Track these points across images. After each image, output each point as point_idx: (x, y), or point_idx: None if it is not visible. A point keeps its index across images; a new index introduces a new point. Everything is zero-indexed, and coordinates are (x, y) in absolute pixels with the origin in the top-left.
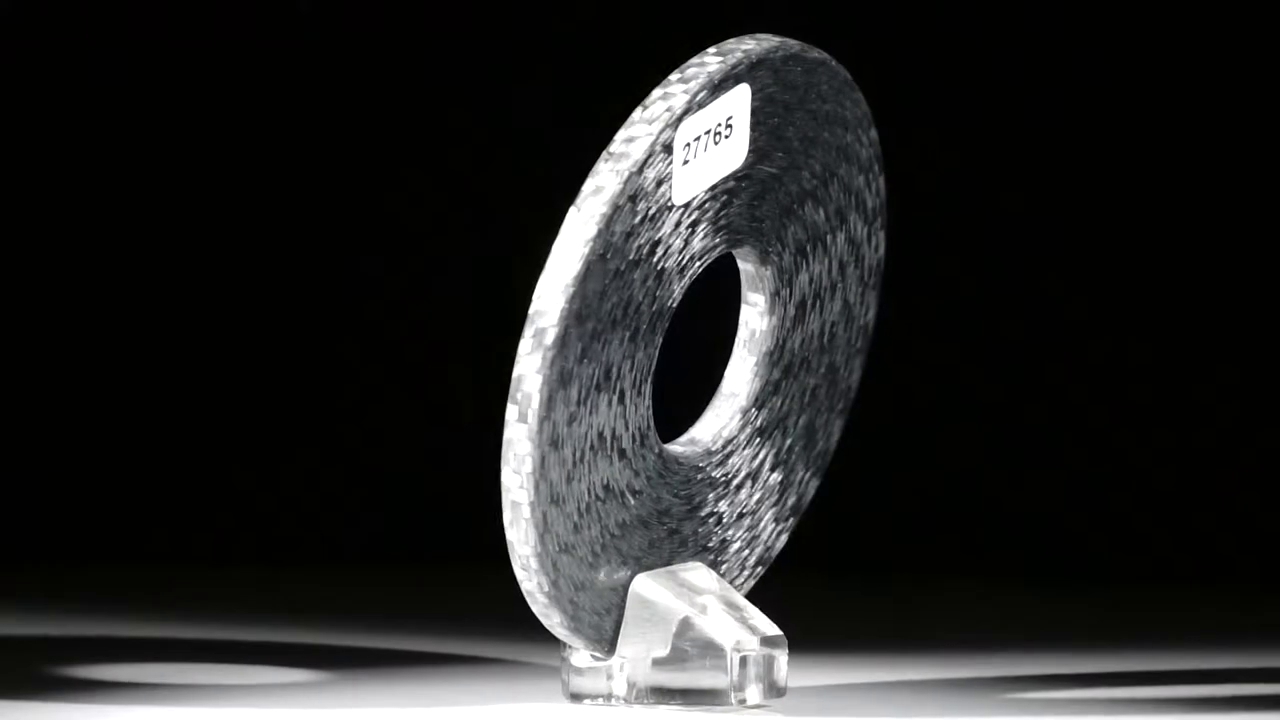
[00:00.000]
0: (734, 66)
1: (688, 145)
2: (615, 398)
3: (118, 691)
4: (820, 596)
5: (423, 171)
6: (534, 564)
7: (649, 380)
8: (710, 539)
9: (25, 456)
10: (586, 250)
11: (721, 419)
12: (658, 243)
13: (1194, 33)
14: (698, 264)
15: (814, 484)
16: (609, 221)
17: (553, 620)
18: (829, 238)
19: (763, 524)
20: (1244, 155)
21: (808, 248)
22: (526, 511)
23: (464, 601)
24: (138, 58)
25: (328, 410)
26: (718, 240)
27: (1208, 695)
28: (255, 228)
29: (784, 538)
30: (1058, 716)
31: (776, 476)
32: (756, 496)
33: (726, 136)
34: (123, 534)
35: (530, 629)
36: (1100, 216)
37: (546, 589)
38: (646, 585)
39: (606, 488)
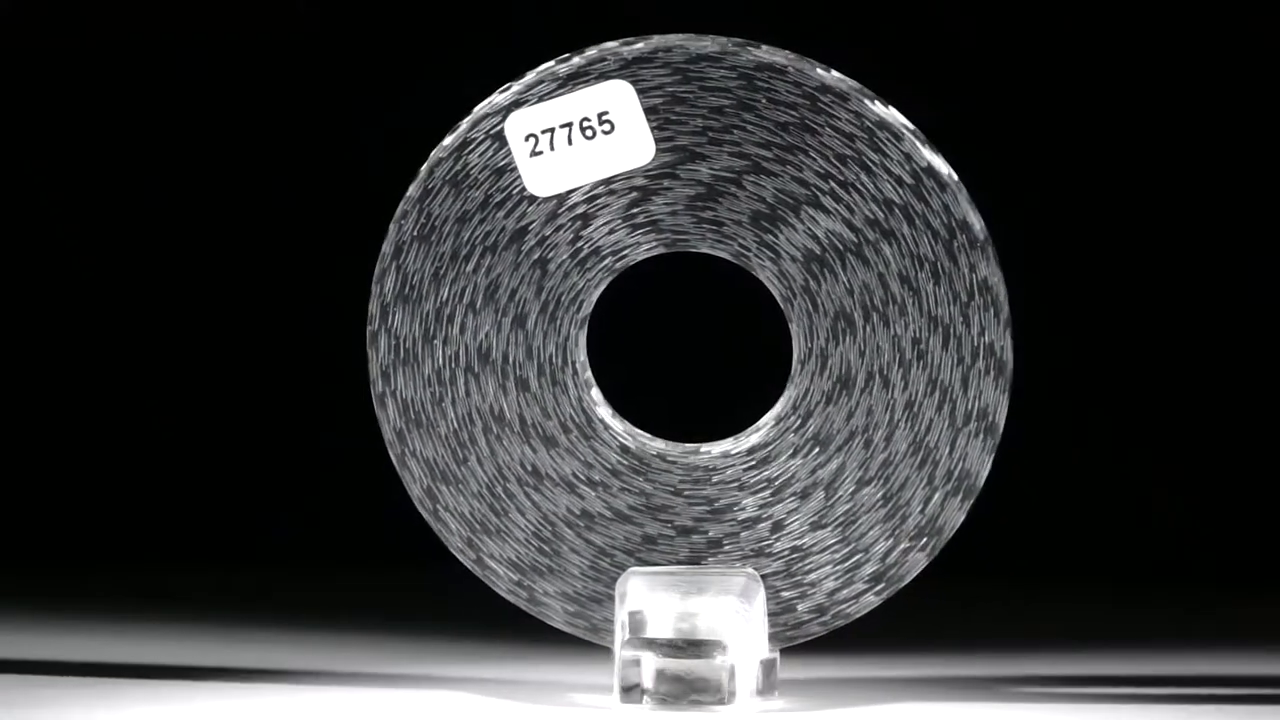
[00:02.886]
0: (587, 64)
1: (532, 137)
2: (512, 383)
3: (141, 687)
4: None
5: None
6: (444, 541)
7: (574, 369)
8: (770, 544)
9: (25, 460)
10: (394, 230)
11: (757, 424)
12: (524, 231)
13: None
14: (613, 258)
15: (953, 505)
16: (418, 203)
17: (510, 600)
18: (866, 249)
19: (865, 538)
20: None
21: (829, 257)
22: (406, 487)
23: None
24: (135, 57)
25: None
26: (644, 238)
27: None
28: (255, 228)
29: (914, 557)
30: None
31: (871, 491)
32: (842, 509)
33: (605, 132)
34: (122, 536)
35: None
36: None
37: (471, 569)
38: (628, 581)
39: (536, 473)
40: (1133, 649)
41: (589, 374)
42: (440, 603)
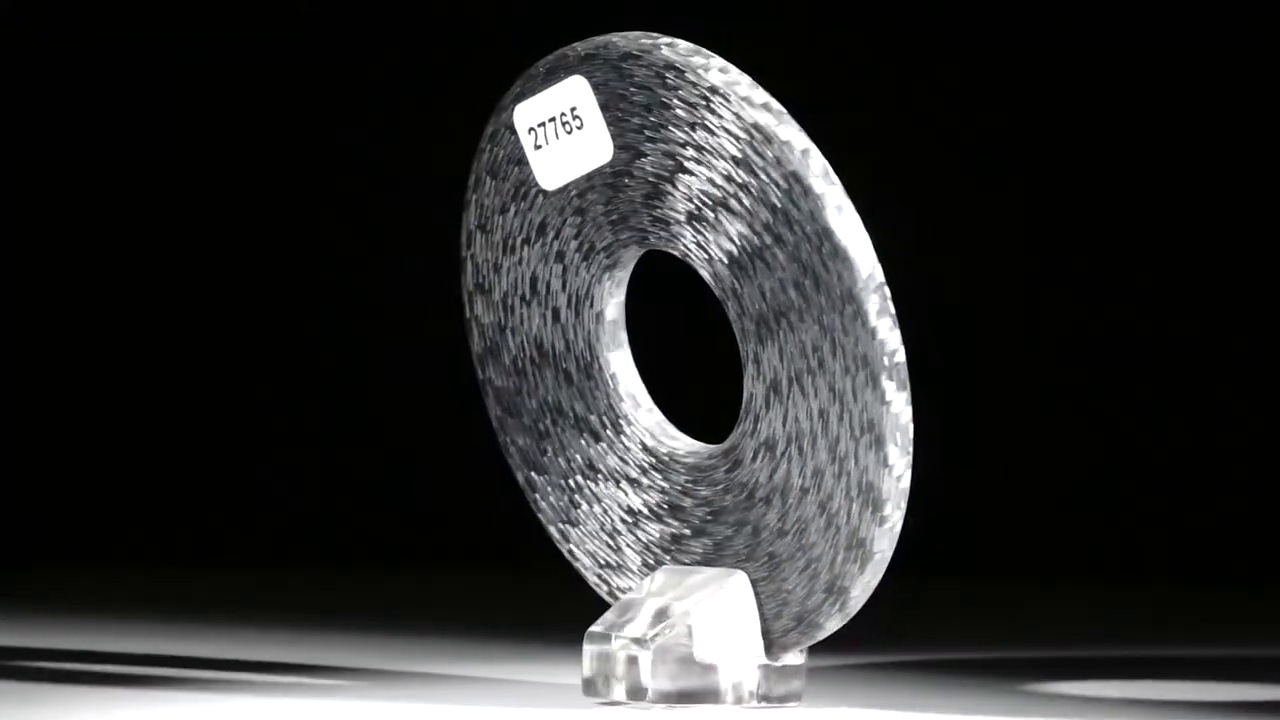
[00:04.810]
0: (557, 58)
1: (532, 130)
2: (562, 376)
3: (147, 687)
4: None
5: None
6: (545, 529)
7: (599, 364)
8: (754, 549)
9: (34, 463)
10: (465, 215)
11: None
12: (544, 225)
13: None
14: (603, 256)
15: (866, 517)
16: (472, 192)
17: (597, 591)
18: (768, 254)
19: (815, 548)
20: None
21: (743, 260)
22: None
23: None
24: (136, 57)
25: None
26: (623, 236)
27: None
28: (256, 227)
29: (849, 569)
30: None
31: (811, 498)
32: (795, 516)
33: (578, 127)
34: (130, 537)
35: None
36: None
37: (567, 558)
38: (653, 576)
39: (592, 467)
40: (1115, 647)
41: (615, 369)
42: (441, 605)
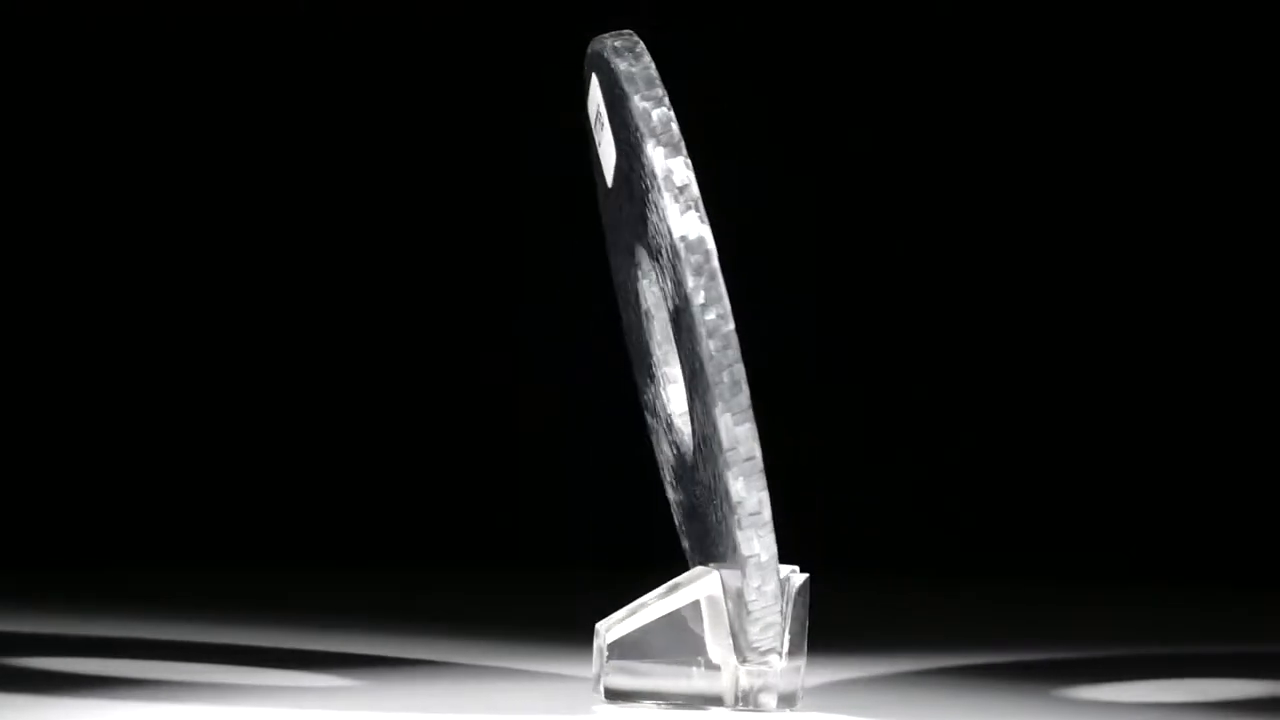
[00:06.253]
0: (587, 62)
1: (593, 129)
2: (647, 375)
3: (139, 688)
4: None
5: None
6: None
7: (653, 363)
8: (717, 544)
9: (40, 461)
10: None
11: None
12: (614, 224)
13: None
14: (632, 255)
15: (731, 521)
16: (598, 189)
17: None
18: (663, 255)
19: (725, 555)
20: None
21: (660, 260)
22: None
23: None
24: (138, 56)
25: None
26: (630, 235)
27: None
28: (264, 224)
29: (739, 573)
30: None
31: (719, 500)
32: (718, 516)
33: (604, 127)
34: (137, 537)
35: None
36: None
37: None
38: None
39: (671, 467)
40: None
41: (666, 369)
42: (456, 600)
